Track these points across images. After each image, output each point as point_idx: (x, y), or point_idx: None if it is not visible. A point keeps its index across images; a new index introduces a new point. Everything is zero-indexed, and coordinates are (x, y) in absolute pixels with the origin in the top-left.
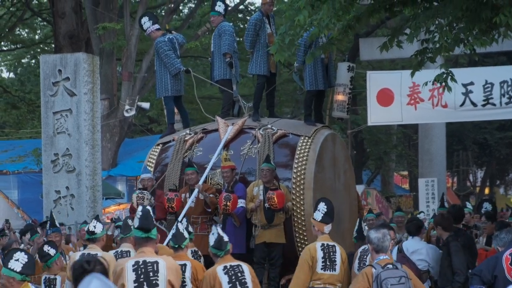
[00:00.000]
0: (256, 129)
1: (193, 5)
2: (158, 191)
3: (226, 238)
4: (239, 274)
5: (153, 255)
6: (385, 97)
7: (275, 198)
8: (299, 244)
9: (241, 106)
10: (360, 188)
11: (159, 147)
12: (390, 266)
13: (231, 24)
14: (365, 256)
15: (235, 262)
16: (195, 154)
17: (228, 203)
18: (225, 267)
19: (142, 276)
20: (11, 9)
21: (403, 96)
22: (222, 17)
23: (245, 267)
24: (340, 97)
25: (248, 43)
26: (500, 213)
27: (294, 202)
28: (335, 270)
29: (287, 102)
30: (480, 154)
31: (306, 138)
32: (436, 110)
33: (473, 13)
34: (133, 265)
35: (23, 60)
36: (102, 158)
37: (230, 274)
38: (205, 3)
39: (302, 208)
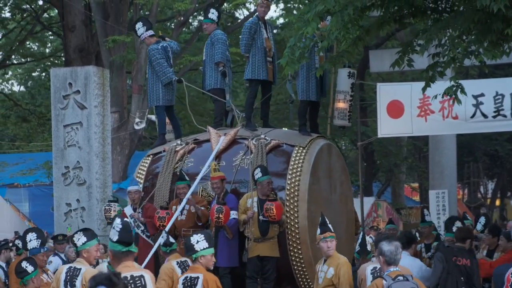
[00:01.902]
0: (249, 139)
1: (202, 18)
2: (147, 205)
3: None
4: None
5: (138, 269)
6: (395, 109)
7: (274, 210)
8: (293, 258)
9: (234, 116)
10: (370, 200)
11: (149, 158)
12: (401, 278)
13: (224, 32)
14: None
15: None
16: (186, 165)
17: (221, 215)
18: (185, 277)
19: None
20: (21, 22)
21: (413, 108)
22: (215, 24)
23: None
24: (341, 105)
25: (243, 47)
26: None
27: (288, 215)
28: None
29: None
30: (491, 166)
31: (301, 148)
32: (447, 121)
33: (484, 25)
34: None
35: (33, 74)
36: (113, 171)
37: (186, 285)
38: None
39: (296, 220)
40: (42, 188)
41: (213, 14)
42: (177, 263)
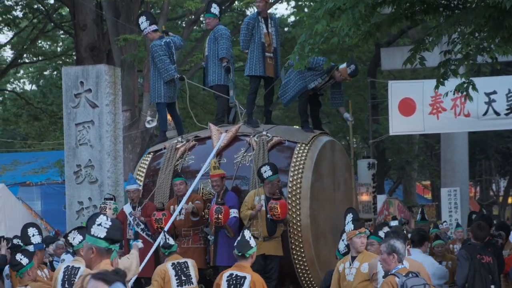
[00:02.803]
0: (251, 136)
1: None
2: (147, 203)
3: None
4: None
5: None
6: (407, 107)
7: (279, 208)
8: (295, 257)
9: (237, 112)
10: (382, 198)
11: (150, 156)
12: (410, 274)
13: (227, 27)
14: None
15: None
16: (187, 163)
17: (220, 216)
18: (230, 274)
19: None
20: (33, 21)
21: (425, 106)
22: (217, 19)
23: None
24: (364, 198)
25: (242, 43)
26: None
27: (290, 213)
28: None
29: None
30: (503, 163)
31: (303, 145)
32: (459, 119)
33: (495, 21)
34: None
35: (45, 72)
36: (124, 169)
37: (230, 283)
38: (225, 14)
39: (298, 219)
40: (54, 187)
41: (215, 9)
42: (172, 264)
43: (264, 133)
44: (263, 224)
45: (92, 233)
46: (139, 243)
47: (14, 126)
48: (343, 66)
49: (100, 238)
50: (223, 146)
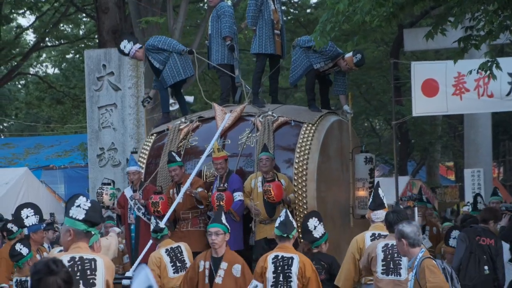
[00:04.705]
0: (256, 116)
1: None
2: (148, 186)
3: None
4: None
5: (90, 252)
6: (430, 88)
7: (272, 190)
8: (301, 240)
9: (243, 92)
10: (405, 179)
11: (152, 137)
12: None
13: (230, 4)
14: None
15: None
16: (190, 144)
17: (222, 203)
18: (276, 256)
19: (78, 274)
20: (55, 5)
21: (448, 87)
22: None
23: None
24: (361, 193)
25: (249, 19)
26: None
27: (296, 195)
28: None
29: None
30: None
31: (310, 125)
32: (482, 100)
33: None
34: (68, 261)
35: (67, 56)
36: None
37: (277, 264)
38: None
39: (304, 201)
40: (77, 170)
41: None
42: (166, 250)
43: (270, 113)
44: (261, 206)
45: (70, 215)
46: (116, 229)
47: (37, 109)
48: (349, 55)
49: (78, 220)
50: (227, 126)
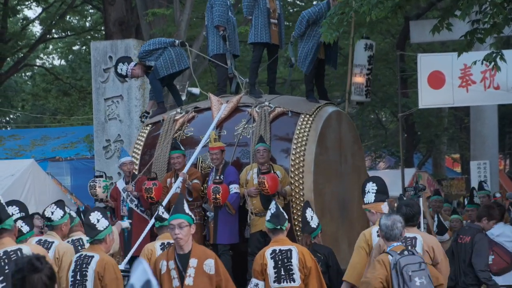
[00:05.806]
0: (252, 107)
1: None
2: (140, 177)
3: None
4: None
5: (15, 245)
6: (436, 80)
7: (266, 183)
8: (298, 233)
9: (239, 83)
10: (411, 171)
11: (147, 128)
12: (406, 252)
13: None
14: None
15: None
16: (186, 135)
17: (218, 196)
18: (273, 251)
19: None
20: None
21: (455, 79)
22: None
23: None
24: (357, 79)
25: (245, 8)
26: None
27: (293, 187)
28: None
29: (337, 86)
30: None
31: (307, 116)
32: (488, 92)
33: None
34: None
35: (74, 47)
36: None
37: (276, 259)
38: None
39: (301, 193)
40: (83, 162)
41: None
42: (161, 244)
43: (266, 103)
44: (256, 198)
45: None
46: (125, 223)
47: (43, 101)
48: None
49: None
50: (223, 117)
